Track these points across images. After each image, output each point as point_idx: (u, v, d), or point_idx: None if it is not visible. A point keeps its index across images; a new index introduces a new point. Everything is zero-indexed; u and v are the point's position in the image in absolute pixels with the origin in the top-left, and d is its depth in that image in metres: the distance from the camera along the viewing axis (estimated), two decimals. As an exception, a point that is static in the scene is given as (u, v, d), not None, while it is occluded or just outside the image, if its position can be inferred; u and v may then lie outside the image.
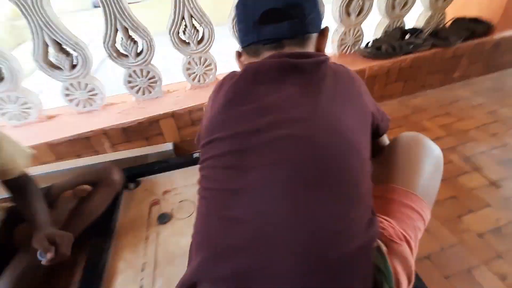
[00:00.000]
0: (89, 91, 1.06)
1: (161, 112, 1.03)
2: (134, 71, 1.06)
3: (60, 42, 0.94)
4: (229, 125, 0.41)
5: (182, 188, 0.95)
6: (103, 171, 0.83)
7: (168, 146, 1.07)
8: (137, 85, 1.09)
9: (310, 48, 0.49)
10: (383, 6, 1.25)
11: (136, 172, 0.99)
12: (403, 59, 1.26)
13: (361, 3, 1.19)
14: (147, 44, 1.01)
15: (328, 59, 0.45)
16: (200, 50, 1.08)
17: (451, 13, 1.38)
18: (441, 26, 1.37)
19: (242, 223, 0.36)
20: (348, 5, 1.19)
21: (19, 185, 0.65)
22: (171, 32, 1.02)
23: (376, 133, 0.53)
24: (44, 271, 0.65)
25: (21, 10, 0.85)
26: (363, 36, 1.31)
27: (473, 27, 1.33)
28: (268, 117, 0.39)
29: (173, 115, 1.05)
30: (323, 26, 0.50)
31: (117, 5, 0.91)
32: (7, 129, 1.04)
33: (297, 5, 0.44)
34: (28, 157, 0.68)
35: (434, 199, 0.53)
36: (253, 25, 0.45)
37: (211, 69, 1.15)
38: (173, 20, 1.00)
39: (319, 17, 0.49)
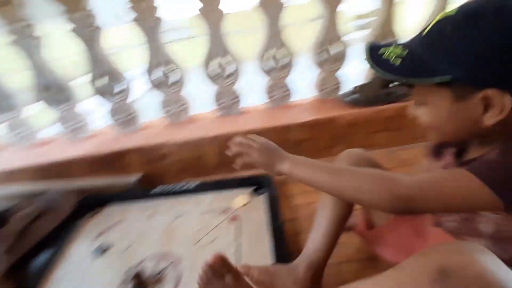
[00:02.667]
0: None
1: (129, 146, 1.11)
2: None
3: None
4: None
5: (131, 221, 0.99)
6: (53, 196, 0.90)
7: (133, 178, 1.12)
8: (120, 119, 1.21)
9: None
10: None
11: (97, 200, 1.06)
12: (388, 108, 1.19)
13: (336, 50, 1.19)
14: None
15: None
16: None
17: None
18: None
19: None
20: (321, 54, 1.20)
21: None
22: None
23: None
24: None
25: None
26: (343, 83, 1.28)
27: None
28: None
29: (140, 149, 1.11)
30: None
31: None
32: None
33: None
34: None
35: None
36: None
37: (187, 107, 1.21)
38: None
39: None
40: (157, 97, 1.23)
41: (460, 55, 0.37)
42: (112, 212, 1.04)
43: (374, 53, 0.45)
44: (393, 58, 0.43)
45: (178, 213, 1.00)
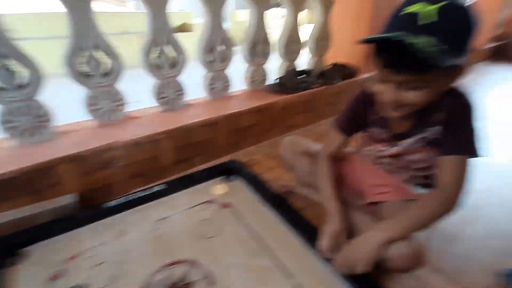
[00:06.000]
0: None
1: (58, 156, 0.83)
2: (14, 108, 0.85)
3: None
4: None
5: (95, 248, 0.75)
6: None
7: (69, 199, 0.85)
8: (19, 126, 0.86)
9: None
10: (282, 50, 1.47)
11: (18, 239, 0.73)
12: (304, 94, 1.49)
13: (264, 47, 1.36)
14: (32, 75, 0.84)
15: None
16: (110, 82, 0.97)
17: (329, 59, 1.75)
18: (324, 69, 1.70)
19: None
20: (254, 48, 1.34)
21: None
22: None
23: None
24: None
25: None
26: (268, 74, 1.48)
27: (346, 70, 1.72)
28: None
29: (75, 158, 0.85)
30: None
31: None
32: None
33: None
34: None
35: None
36: None
37: (122, 104, 1.03)
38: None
39: None
40: (79, 93, 0.96)
41: (465, 44, 0.49)
42: (53, 248, 0.75)
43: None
44: (431, 44, 0.45)
45: (155, 220, 0.86)
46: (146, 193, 0.94)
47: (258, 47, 1.36)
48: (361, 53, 1.87)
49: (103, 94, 0.98)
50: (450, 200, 0.58)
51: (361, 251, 0.60)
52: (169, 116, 1.12)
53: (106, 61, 0.96)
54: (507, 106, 2.08)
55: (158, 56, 1.07)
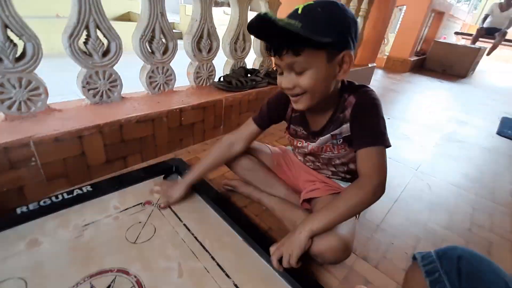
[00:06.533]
0: None
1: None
2: None
3: None
4: None
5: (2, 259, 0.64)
6: None
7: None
8: None
9: None
10: (227, 48, 1.45)
11: None
12: (250, 92, 1.49)
13: (209, 42, 1.32)
14: None
15: None
16: (24, 68, 0.83)
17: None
18: (270, 68, 1.74)
19: None
20: (198, 42, 1.29)
21: None
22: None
23: None
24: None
25: None
26: (215, 71, 1.44)
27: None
28: None
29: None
30: None
31: None
32: None
33: None
34: None
35: None
36: None
37: (40, 94, 0.89)
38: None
39: None
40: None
41: (331, 26, 0.53)
42: None
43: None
44: (295, 23, 0.51)
45: (79, 226, 0.76)
46: (68, 197, 0.83)
47: (203, 42, 1.32)
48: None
49: (11, 82, 0.82)
50: (370, 189, 0.60)
51: (290, 246, 0.62)
52: (100, 109, 1.01)
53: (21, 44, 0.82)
54: (424, 111, 2.42)
55: (85, 41, 0.95)
